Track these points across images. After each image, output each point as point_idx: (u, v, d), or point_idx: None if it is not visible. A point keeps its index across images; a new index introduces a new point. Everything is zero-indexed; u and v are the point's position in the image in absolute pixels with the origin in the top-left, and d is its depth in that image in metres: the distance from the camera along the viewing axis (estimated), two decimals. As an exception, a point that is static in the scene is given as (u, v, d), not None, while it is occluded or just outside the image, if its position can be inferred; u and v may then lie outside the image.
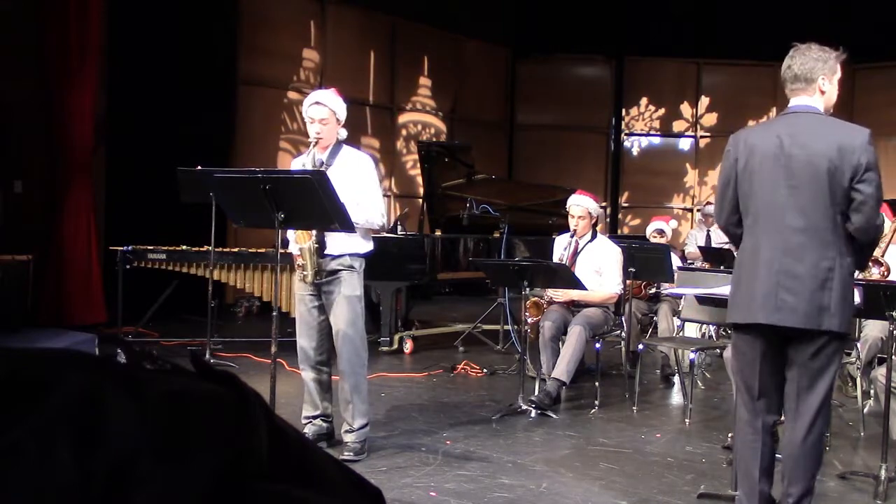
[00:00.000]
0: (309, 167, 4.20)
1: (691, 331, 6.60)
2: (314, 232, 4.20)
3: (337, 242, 4.28)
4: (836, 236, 3.20)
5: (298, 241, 4.25)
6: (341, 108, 4.31)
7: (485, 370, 6.71)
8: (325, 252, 4.28)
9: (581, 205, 6.00)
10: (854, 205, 3.18)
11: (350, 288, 4.30)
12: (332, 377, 4.57)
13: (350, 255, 4.30)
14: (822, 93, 3.32)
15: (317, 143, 4.25)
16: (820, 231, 3.19)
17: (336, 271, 4.30)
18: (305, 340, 4.45)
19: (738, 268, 3.40)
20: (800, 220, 3.20)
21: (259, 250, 7.01)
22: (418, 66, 12.64)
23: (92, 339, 6.43)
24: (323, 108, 4.25)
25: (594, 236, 6.05)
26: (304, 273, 4.27)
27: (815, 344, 3.22)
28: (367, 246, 4.39)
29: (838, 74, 3.36)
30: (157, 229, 7.63)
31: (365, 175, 4.32)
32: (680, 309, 5.96)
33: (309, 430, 4.52)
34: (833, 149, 3.16)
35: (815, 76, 3.29)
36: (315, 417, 4.55)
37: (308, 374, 4.51)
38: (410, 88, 12.57)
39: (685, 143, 14.30)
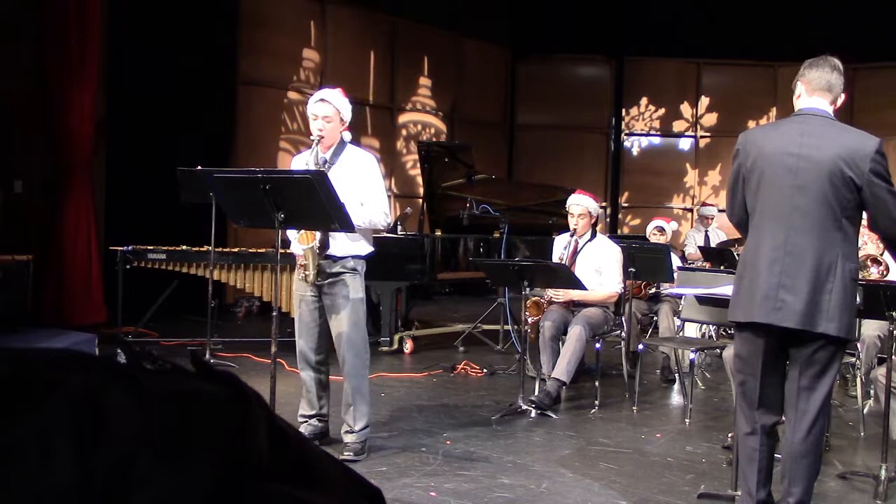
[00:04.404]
0: (311, 166, 4.17)
1: (691, 331, 6.61)
2: (318, 233, 4.19)
3: (340, 244, 4.26)
4: (840, 239, 3.20)
5: (301, 243, 4.20)
6: (346, 109, 4.28)
7: (485, 370, 6.71)
8: (329, 253, 4.26)
9: (581, 204, 5.99)
10: (875, 220, 3.21)
11: (353, 290, 4.29)
12: (330, 377, 4.57)
13: (353, 257, 4.30)
14: (835, 107, 3.36)
15: (319, 140, 4.21)
16: (823, 233, 3.19)
17: (339, 273, 4.28)
18: (304, 341, 4.44)
19: (741, 266, 3.41)
20: (804, 221, 3.20)
21: (259, 250, 7.00)
22: (418, 66, 12.63)
23: (92, 339, 6.43)
24: (328, 106, 4.21)
25: (594, 236, 6.05)
26: (307, 273, 4.24)
27: (813, 345, 3.22)
28: (370, 248, 4.39)
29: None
30: (157, 229, 7.63)
31: (368, 174, 4.28)
32: (680, 309, 5.96)
33: (305, 430, 4.51)
34: (843, 153, 3.17)
35: (837, 91, 3.36)
36: (311, 417, 4.55)
37: (306, 374, 4.51)
38: (410, 88, 12.57)
39: (685, 143, 14.29)
